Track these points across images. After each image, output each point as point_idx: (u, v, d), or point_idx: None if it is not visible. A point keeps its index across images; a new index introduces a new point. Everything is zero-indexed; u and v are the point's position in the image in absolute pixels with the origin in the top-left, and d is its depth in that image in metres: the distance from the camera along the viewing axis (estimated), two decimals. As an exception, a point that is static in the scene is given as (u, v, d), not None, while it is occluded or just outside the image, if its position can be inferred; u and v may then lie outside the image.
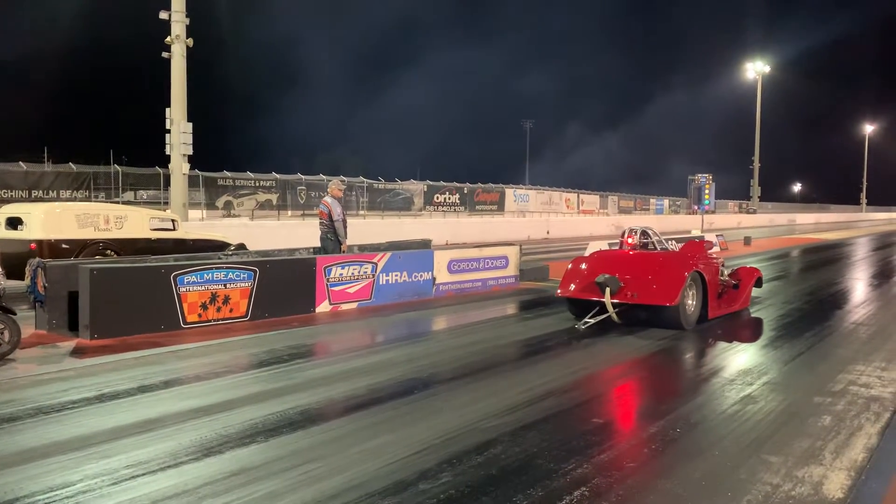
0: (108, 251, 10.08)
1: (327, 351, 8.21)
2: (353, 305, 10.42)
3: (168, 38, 20.92)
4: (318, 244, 10.95)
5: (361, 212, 32.98)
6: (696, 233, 24.12)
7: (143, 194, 29.86)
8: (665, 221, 44.83)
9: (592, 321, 8.97)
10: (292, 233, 20.45)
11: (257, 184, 31.25)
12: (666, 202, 58.52)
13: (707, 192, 24.35)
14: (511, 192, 42.79)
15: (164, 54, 21.01)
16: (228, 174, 29.82)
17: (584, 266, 9.59)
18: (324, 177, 33.34)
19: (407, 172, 40.64)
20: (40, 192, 23.21)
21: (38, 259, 8.44)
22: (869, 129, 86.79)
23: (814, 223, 62.48)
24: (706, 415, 5.56)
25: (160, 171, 26.23)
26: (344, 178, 28.36)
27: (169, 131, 21.02)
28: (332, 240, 10.61)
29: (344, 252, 10.60)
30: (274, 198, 31.91)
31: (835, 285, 14.96)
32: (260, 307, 9.20)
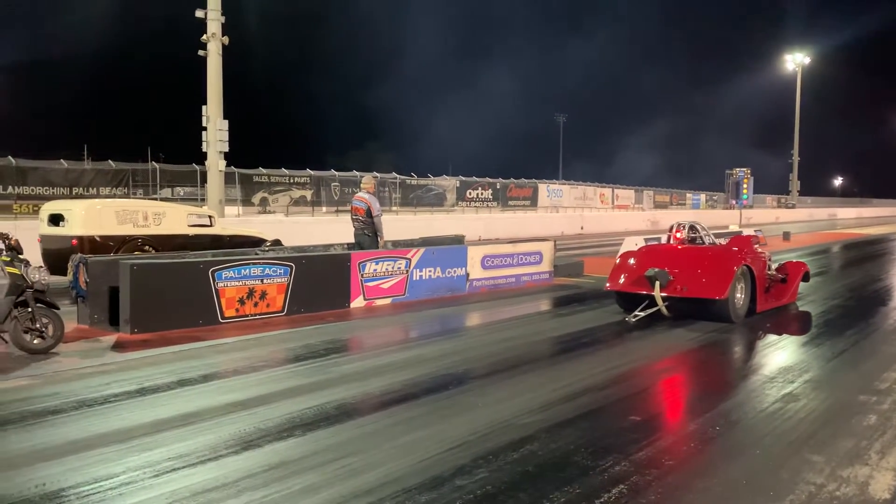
0: (147, 247, 10.26)
1: (362, 346, 8.25)
2: (387, 301, 10.46)
3: (204, 37, 21.17)
4: (352, 240, 11.00)
5: (394, 208, 33.07)
6: (733, 228, 23.75)
7: (181, 191, 30.30)
8: (702, 216, 44.14)
9: (643, 314, 8.99)
10: (327, 228, 20.59)
11: (291, 180, 31.52)
12: (703, 197, 57.61)
13: (745, 186, 23.94)
14: (544, 188, 42.51)
15: (201, 52, 21.27)
16: (263, 171, 30.13)
17: (633, 260, 9.57)
18: (357, 173, 33.49)
19: (439, 168, 40.72)
20: (81, 189, 23.68)
21: (79, 255, 8.62)
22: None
23: (855, 217, 61.12)
24: (747, 412, 5.46)
25: (197, 167, 26.58)
26: (377, 174, 28.46)
27: (205, 129, 21.29)
28: (370, 235, 10.65)
29: (381, 248, 10.64)
30: (308, 194, 32.14)
31: (878, 281, 14.61)
32: (296, 302, 9.29)
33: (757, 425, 5.13)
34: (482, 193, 38.51)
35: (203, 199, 23.70)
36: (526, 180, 42.16)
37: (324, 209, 31.69)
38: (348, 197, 32.95)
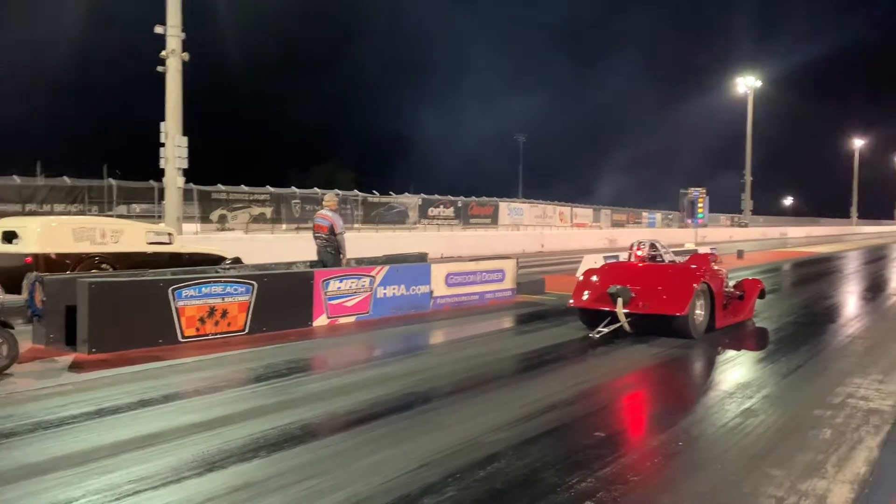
0: (105, 265, 10.04)
1: (326, 365, 8.19)
2: (351, 319, 10.41)
3: (163, 53, 20.94)
4: (314, 257, 10.94)
5: (356, 225, 32.93)
6: (689, 246, 24.22)
7: (136, 208, 29.75)
8: (658, 235, 44.94)
9: (606, 330, 9.11)
10: (288, 246, 20.43)
11: (251, 197, 31.21)
12: (658, 216, 58.58)
13: (700, 205, 24.47)
14: (505, 206, 42.84)
15: (160, 68, 21.02)
16: (223, 187, 29.77)
17: (595, 277, 9.72)
18: (318, 190, 33.35)
19: (401, 185, 40.64)
20: (34, 205, 23.10)
21: (35, 273, 8.41)
22: (858, 143, 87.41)
23: (805, 236, 62.83)
24: (707, 428, 5.57)
25: (154, 184, 26.16)
26: (339, 192, 28.38)
27: (163, 145, 21.01)
28: (332, 253, 10.61)
29: (344, 266, 10.60)
30: (268, 211, 31.83)
31: (828, 298, 15.04)
32: (258, 321, 9.18)
33: (718, 440, 5.23)
34: (444, 211, 38.63)
35: (160, 216, 23.31)
36: (487, 199, 42.47)
37: (283, 227, 31.41)
38: (309, 214, 32.73)
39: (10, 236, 10.29)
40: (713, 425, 5.64)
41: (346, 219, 32.39)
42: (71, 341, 7.97)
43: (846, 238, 60.72)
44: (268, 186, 31.85)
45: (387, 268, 10.99)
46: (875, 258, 30.48)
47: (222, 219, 29.61)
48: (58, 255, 9.86)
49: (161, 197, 22.85)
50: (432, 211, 38.00)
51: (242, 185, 30.91)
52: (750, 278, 11.44)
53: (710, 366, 8.20)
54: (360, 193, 35.04)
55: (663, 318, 9.08)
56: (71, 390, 6.39)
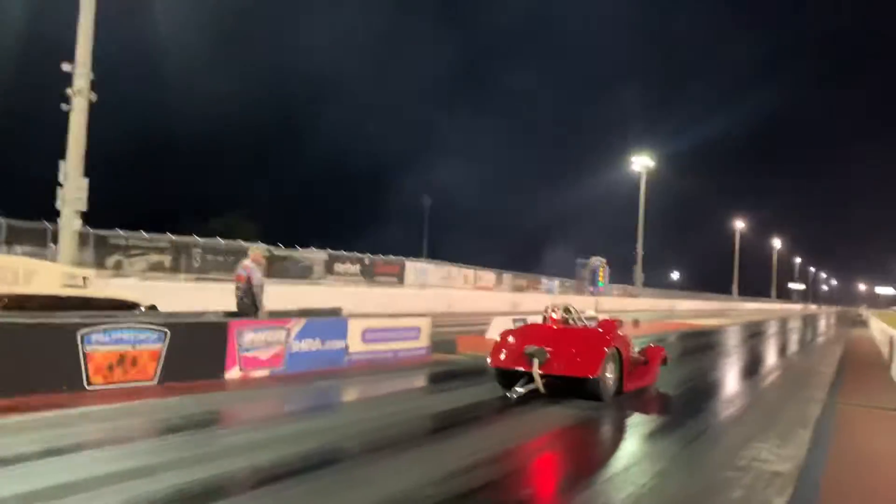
0: (13, 306, 9.40)
1: (245, 418, 7.95)
2: (265, 372, 10.16)
3: (69, 90, 20.23)
4: (214, 308, 10.76)
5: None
6: (590, 313, 25.07)
7: (18, 249, 28.09)
8: (558, 301, 46.19)
9: (522, 390, 9.26)
10: (189, 296, 19.78)
11: (151, 244, 30.11)
12: (556, 282, 60.46)
13: (601, 274, 25.47)
14: (411, 265, 43.10)
15: (64, 106, 20.26)
16: (122, 233, 28.62)
17: (512, 339, 9.93)
18: (221, 240, 32.66)
19: (304, 240, 40.10)
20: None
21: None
22: (740, 225, 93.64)
23: (692, 309, 66.10)
24: (628, 487, 5.76)
25: (47, 225, 24.85)
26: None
27: (61, 185, 20.09)
28: (249, 304, 10.40)
29: (261, 318, 10.39)
30: (167, 259, 30.77)
31: (721, 368, 15.89)
32: (168, 371, 8.84)
33: (640, 502, 5.43)
34: (350, 268, 38.46)
35: (51, 260, 22.09)
36: (394, 257, 42.62)
37: (183, 276, 30.39)
38: (211, 264, 31.87)
39: None
40: (634, 484, 5.85)
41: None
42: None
43: (728, 312, 64.30)
44: (168, 234, 30.87)
45: (304, 321, 10.86)
46: (756, 332, 32.44)
47: (118, 265, 28.37)
48: None
49: (53, 239, 21.71)
50: (338, 267, 37.76)
51: (142, 232, 29.84)
52: (653, 345, 11.97)
53: (622, 428, 8.49)
54: (260, 244, 34.43)
55: (576, 381, 9.36)
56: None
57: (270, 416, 8.08)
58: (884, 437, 8.60)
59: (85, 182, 20.38)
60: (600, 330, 10.40)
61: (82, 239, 24.05)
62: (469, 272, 49.20)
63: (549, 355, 9.31)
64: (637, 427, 8.47)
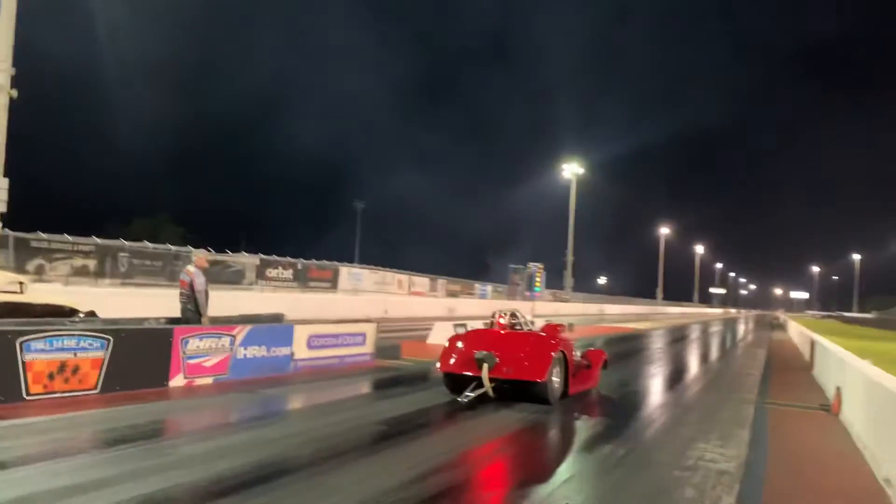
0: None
1: (197, 427, 7.76)
2: (209, 380, 9.93)
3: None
4: (141, 314, 10.52)
5: (190, 283, 31.44)
6: (529, 318, 25.43)
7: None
8: (494, 306, 46.67)
9: (472, 395, 9.33)
10: (114, 302, 19.03)
11: (75, 248, 28.96)
12: (489, 288, 61.08)
13: (538, 279, 25.91)
14: (345, 270, 42.75)
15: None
16: (43, 236, 27.43)
17: (461, 344, 10.01)
18: (148, 244, 31.75)
19: (233, 243, 39.28)
20: None
21: None
22: (664, 231, 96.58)
23: (620, 313, 67.79)
24: (586, 490, 5.93)
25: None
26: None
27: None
28: (193, 310, 10.16)
29: (204, 324, 10.16)
30: (92, 263, 29.64)
31: (657, 371, 16.39)
32: (111, 379, 8.55)
33: (602, 501, 5.59)
34: (283, 273, 37.87)
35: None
36: (327, 262, 42.20)
37: (108, 281, 29.33)
38: (138, 269, 30.87)
39: None
40: (590, 485, 6.02)
41: (173, 275, 30.98)
42: None
43: (654, 316, 66.25)
44: (94, 237, 29.76)
45: (249, 328, 10.67)
46: (682, 336, 33.57)
47: (40, 269, 27.18)
48: None
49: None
50: (270, 272, 37.13)
51: (65, 235, 28.68)
52: (594, 349, 12.27)
53: (571, 431, 8.67)
54: (192, 249, 33.58)
55: (524, 384, 9.53)
56: None
57: (221, 424, 7.92)
58: (815, 434, 9.06)
59: (5, 182, 19.48)
60: (545, 334, 10.59)
61: (1, 242, 23.01)
62: (403, 277, 49.16)
63: (497, 360, 9.43)
64: (585, 429, 8.68)
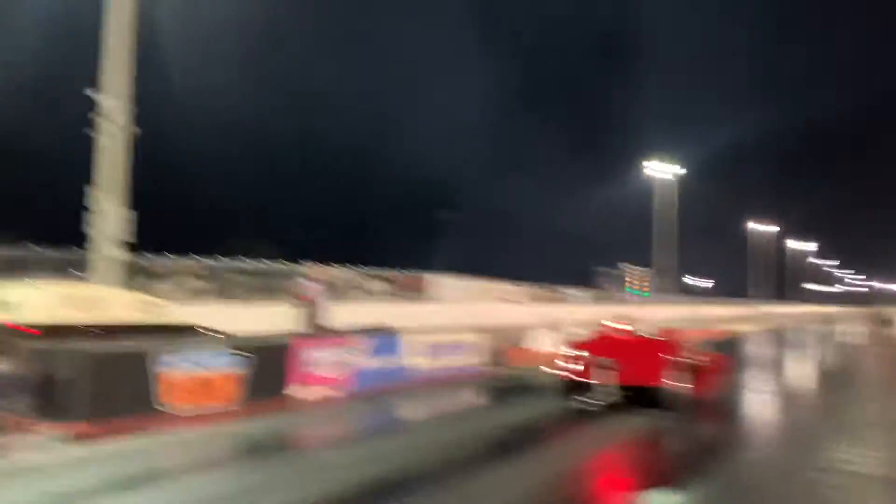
0: (92, 333, 9.58)
1: (329, 438, 8.12)
2: (335, 391, 10.26)
3: (104, 123, 20.41)
4: (253, 329, 10.99)
5: (289, 298, 32.44)
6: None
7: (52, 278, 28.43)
8: (587, 311, 46.01)
9: (594, 401, 9.28)
10: (228, 319, 19.80)
11: (189, 269, 30.39)
12: (581, 292, 60.10)
13: (636, 282, 25.36)
14: (435, 280, 43.11)
15: (101, 138, 20.44)
16: (160, 259, 28.93)
17: (577, 350, 9.95)
18: (253, 262, 32.88)
19: (325, 258, 40.11)
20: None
21: (22, 342, 8.01)
22: (765, 228, 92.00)
23: (718, 315, 65.45)
24: (725, 495, 5.81)
25: (85, 253, 25.16)
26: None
27: (97, 214, 20.26)
28: (315, 323, 10.55)
29: (322, 335, 10.54)
30: (205, 283, 31.07)
31: (773, 374, 15.81)
32: (243, 392, 8.95)
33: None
34: (377, 284, 38.56)
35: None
36: (420, 272, 42.59)
37: (222, 299, 30.65)
38: (246, 286, 32.04)
39: (3, 305, 9.71)
40: (730, 492, 5.90)
41: (277, 291, 32.08)
42: (53, 412, 7.54)
43: (755, 317, 63.65)
44: (204, 258, 31.16)
45: (368, 339, 10.98)
46: (789, 338, 32.26)
47: (160, 291, 28.67)
48: (49, 323, 9.38)
49: (84, 268, 21.96)
50: (366, 284, 37.79)
51: (180, 258, 30.16)
52: (715, 353, 11.95)
53: (699, 436, 8.52)
54: (295, 265, 34.59)
55: (647, 390, 9.37)
56: (84, 461, 6.14)
57: (352, 434, 8.23)
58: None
59: (129, 212, 20.65)
60: (663, 339, 10.41)
61: (123, 267, 24.41)
62: (493, 285, 49.09)
63: (618, 365, 9.34)
64: (712, 435, 8.52)
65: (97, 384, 7.57)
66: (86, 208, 19.81)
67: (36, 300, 9.51)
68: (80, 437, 6.97)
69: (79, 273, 26.61)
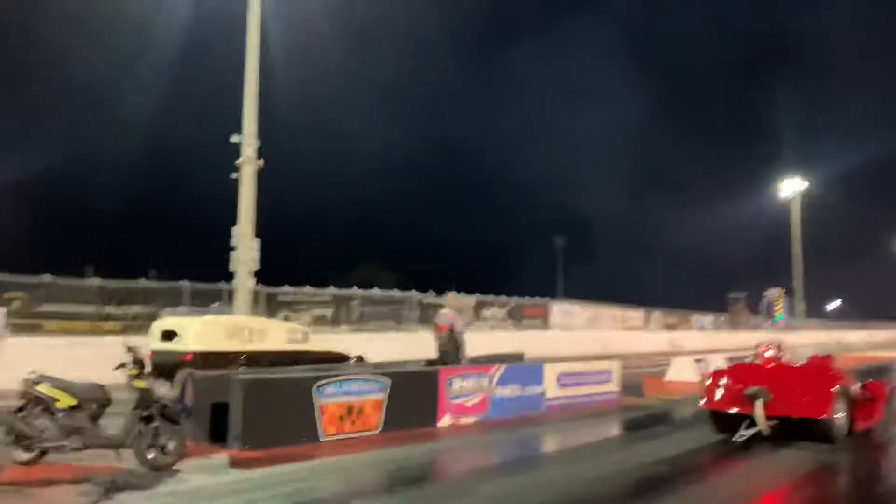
0: (248, 362, 10.18)
1: (474, 468, 8.04)
2: (472, 419, 10.30)
3: (238, 160, 21.54)
4: (377, 357, 11.10)
5: (412, 326, 32.98)
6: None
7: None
8: (716, 338, 44.24)
9: (747, 433, 8.84)
10: (352, 347, 20.39)
11: (314, 298, 31.62)
12: (709, 318, 57.66)
13: (778, 306, 24.13)
14: (557, 307, 42.61)
15: (234, 175, 21.59)
16: (288, 289, 30.26)
17: (726, 379, 9.54)
18: (378, 291, 33.73)
19: (442, 286, 40.45)
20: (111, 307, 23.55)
21: (189, 370, 8.56)
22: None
23: (864, 341, 60.98)
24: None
25: (223, 286, 26.62)
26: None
27: (234, 248, 21.36)
28: (452, 352, 10.66)
29: (465, 365, 10.62)
30: (328, 312, 32.19)
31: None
32: (389, 420, 9.15)
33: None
34: (497, 312, 38.57)
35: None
36: (539, 299, 42.29)
37: (343, 327, 31.58)
38: (367, 314, 32.94)
39: (169, 335, 10.53)
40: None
41: (399, 318, 32.70)
42: (216, 437, 7.98)
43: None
44: (331, 288, 32.28)
45: (503, 367, 10.97)
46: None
47: (286, 319, 29.96)
48: (213, 353, 10.05)
49: (230, 299, 23.17)
50: (485, 312, 37.94)
51: (307, 287, 31.40)
52: (876, 381, 11.12)
53: (867, 471, 7.93)
54: (415, 293, 35.20)
55: (804, 422, 8.82)
56: (244, 487, 6.39)
57: (495, 465, 8.18)
58: None
59: (257, 243, 21.72)
60: (819, 367, 9.80)
61: (255, 297, 25.63)
62: (616, 311, 47.96)
63: (771, 396, 8.85)
64: (881, 469, 7.87)
65: (261, 411, 7.95)
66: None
67: (199, 330, 10.19)
68: (245, 462, 7.31)
69: (212, 303, 28.25)
